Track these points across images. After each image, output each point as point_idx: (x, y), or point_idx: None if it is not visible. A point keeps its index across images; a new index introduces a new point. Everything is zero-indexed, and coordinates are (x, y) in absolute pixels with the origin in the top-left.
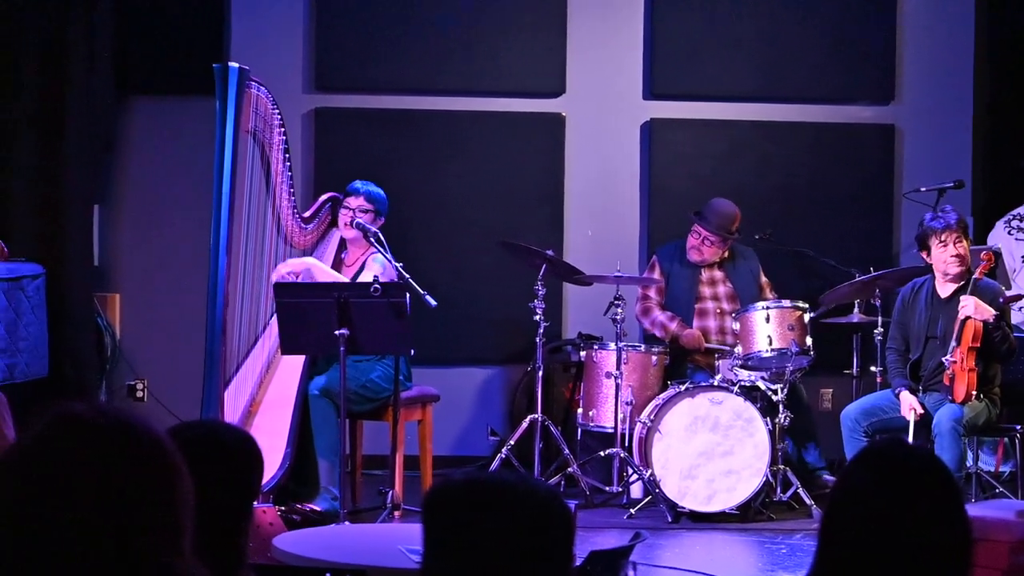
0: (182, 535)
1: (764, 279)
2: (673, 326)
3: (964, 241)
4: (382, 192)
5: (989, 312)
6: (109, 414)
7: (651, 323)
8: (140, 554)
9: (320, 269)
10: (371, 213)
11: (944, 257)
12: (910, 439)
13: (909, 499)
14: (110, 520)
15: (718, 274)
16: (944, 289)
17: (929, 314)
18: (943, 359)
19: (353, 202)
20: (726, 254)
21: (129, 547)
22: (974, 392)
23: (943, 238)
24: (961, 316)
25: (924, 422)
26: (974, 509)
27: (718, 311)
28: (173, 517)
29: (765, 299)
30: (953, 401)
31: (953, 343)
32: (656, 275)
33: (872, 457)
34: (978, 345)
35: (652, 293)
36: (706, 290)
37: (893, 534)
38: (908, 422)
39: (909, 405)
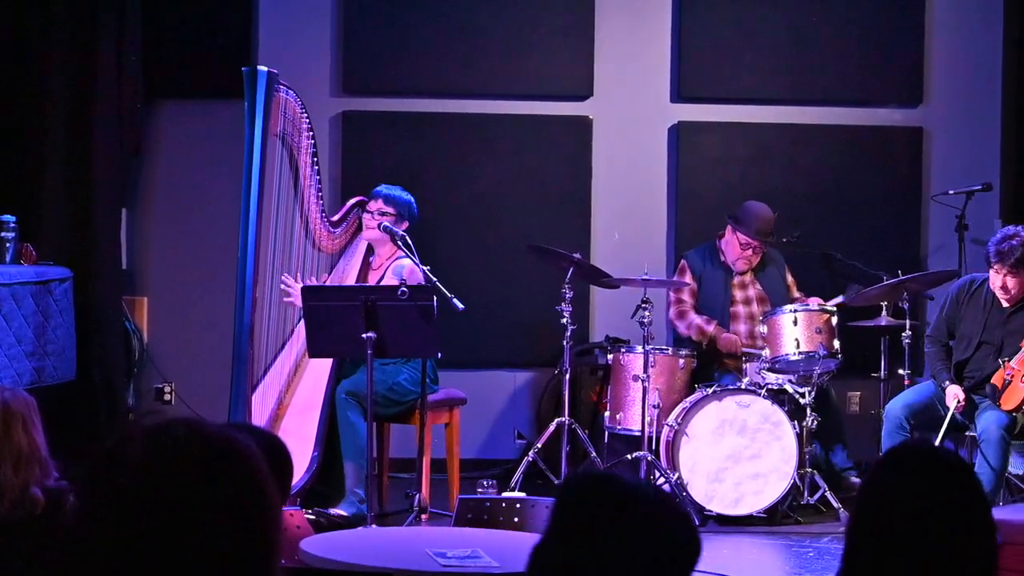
0: (272, 560)
1: (790, 278)
2: (711, 328)
3: (1019, 276)
4: (405, 195)
5: None
6: (205, 431)
7: (687, 326)
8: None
9: None
10: (391, 216)
11: (992, 284)
12: (942, 432)
13: (934, 499)
14: (199, 542)
15: (748, 277)
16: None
17: (986, 319)
18: (1000, 360)
19: (373, 206)
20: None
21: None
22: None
23: (994, 267)
24: None
25: (965, 425)
26: (1002, 512)
27: (748, 315)
28: (263, 540)
29: (792, 298)
30: (999, 407)
31: (1022, 353)
32: (688, 278)
33: (897, 458)
34: None
35: (686, 296)
36: (737, 293)
37: (919, 535)
38: (950, 415)
39: (954, 394)
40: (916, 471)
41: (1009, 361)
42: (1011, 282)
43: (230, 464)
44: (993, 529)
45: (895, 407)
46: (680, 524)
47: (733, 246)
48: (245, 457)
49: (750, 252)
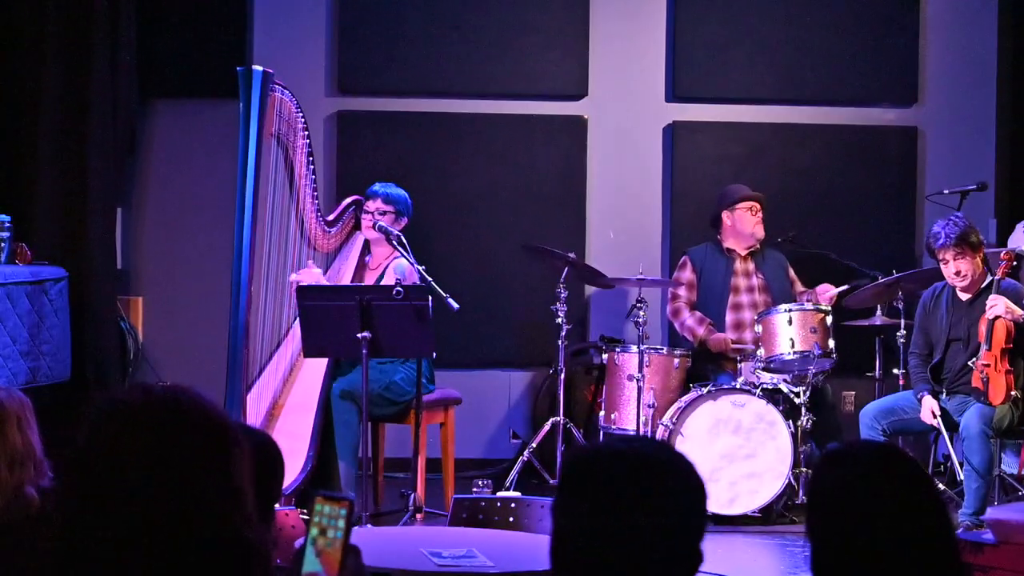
0: (243, 501)
1: (792, 274)
2: (701, 331)
3: (966, 256)
4: (403, 193)
5: (1019, 312)
6: (153, 391)
7: (680, 326)
8: (203, 521)
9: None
10: (391, 215)
11: (947, 274)
12: (943, 440)
13: (877, 488)
14: (169, 493)
15: (751, 265)
16: (963, 293)
17: (951, 317)
18: (969, 362)
19: (372, 205)
20: (757, 244)
21: (191, 516)
22: (1014, 392)
23: (942, 256)
24: (990, 316)
25: (950, 425)
26: (1000, 512)
27: (752, 303)
28: (230, 483)
29: (797, 292)
30: (991, 404)
31: (984, 346)
32: (687, 273)
33: (836, 455)
34: (1011, 346)
35: (682, 292)
36: (741, 281)
37: (869, 525)
38: (926, 424)
39: (929, 409)
40: (856, 464)
41: (978, 360)
42: (962, 265)
43: (180, 413)
44: (944, 510)
45: (868, 411)
46: (685, 476)
47: (742, 222)
48: (196, 406)
49: (760, 215)
